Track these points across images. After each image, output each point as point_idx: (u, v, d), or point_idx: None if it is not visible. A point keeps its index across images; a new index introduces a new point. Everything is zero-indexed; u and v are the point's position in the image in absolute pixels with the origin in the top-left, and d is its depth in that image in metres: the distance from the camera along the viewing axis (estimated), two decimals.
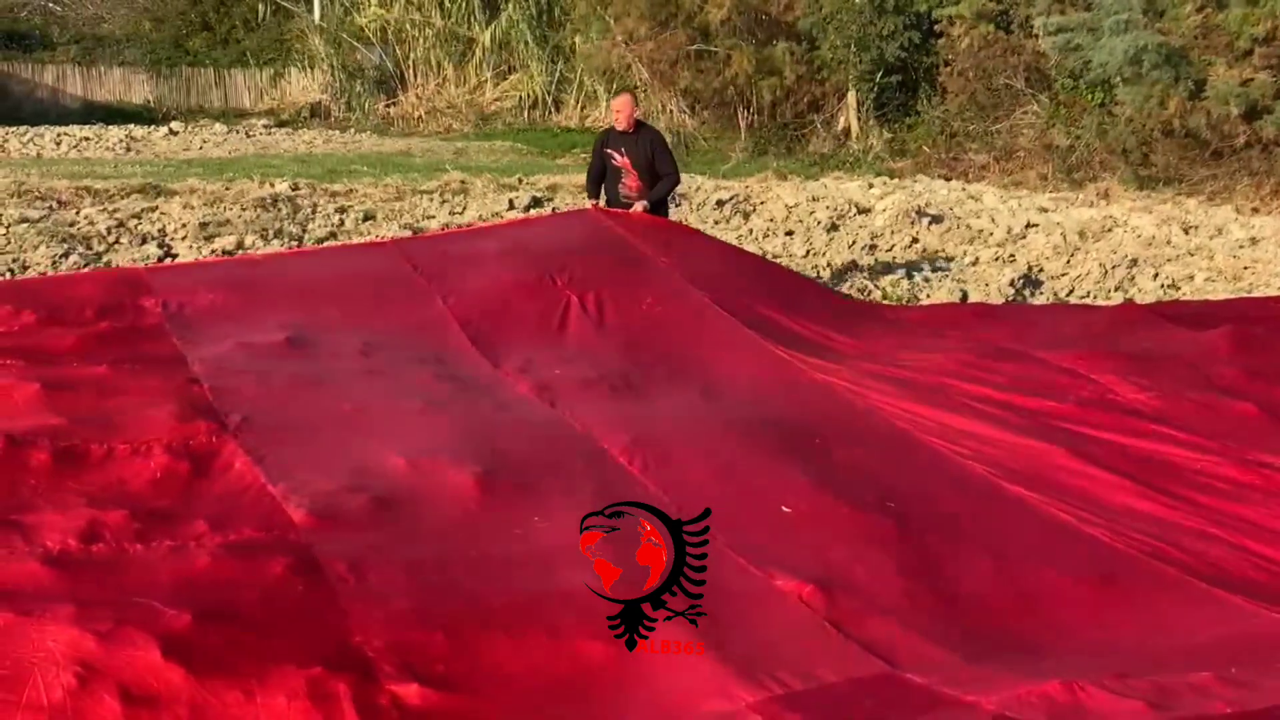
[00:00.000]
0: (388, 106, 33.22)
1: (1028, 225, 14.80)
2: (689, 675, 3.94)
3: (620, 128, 10.00)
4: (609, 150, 10.01)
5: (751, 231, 14.65)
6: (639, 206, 9.73)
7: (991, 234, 14.38)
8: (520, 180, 18.82)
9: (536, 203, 16.52)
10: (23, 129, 29.08)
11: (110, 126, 30.38)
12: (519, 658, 3.93)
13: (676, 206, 16.15)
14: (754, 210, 15.94)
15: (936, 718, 3.71)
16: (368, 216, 14.43)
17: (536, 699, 3.79)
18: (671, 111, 26.25)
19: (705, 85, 25.52)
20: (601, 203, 10.00)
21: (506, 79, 32.58)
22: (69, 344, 6.81)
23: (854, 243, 13.81)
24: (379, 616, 4.09)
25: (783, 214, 15.45)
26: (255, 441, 5.60)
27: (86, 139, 27.69)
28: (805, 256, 13.28)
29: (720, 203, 16.29)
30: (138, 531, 4.68)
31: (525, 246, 8.97)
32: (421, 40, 33.21)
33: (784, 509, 5.33)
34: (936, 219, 15.03)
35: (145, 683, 3.66)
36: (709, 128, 26.15)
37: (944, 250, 13.63)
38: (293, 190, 16.23)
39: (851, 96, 24.57)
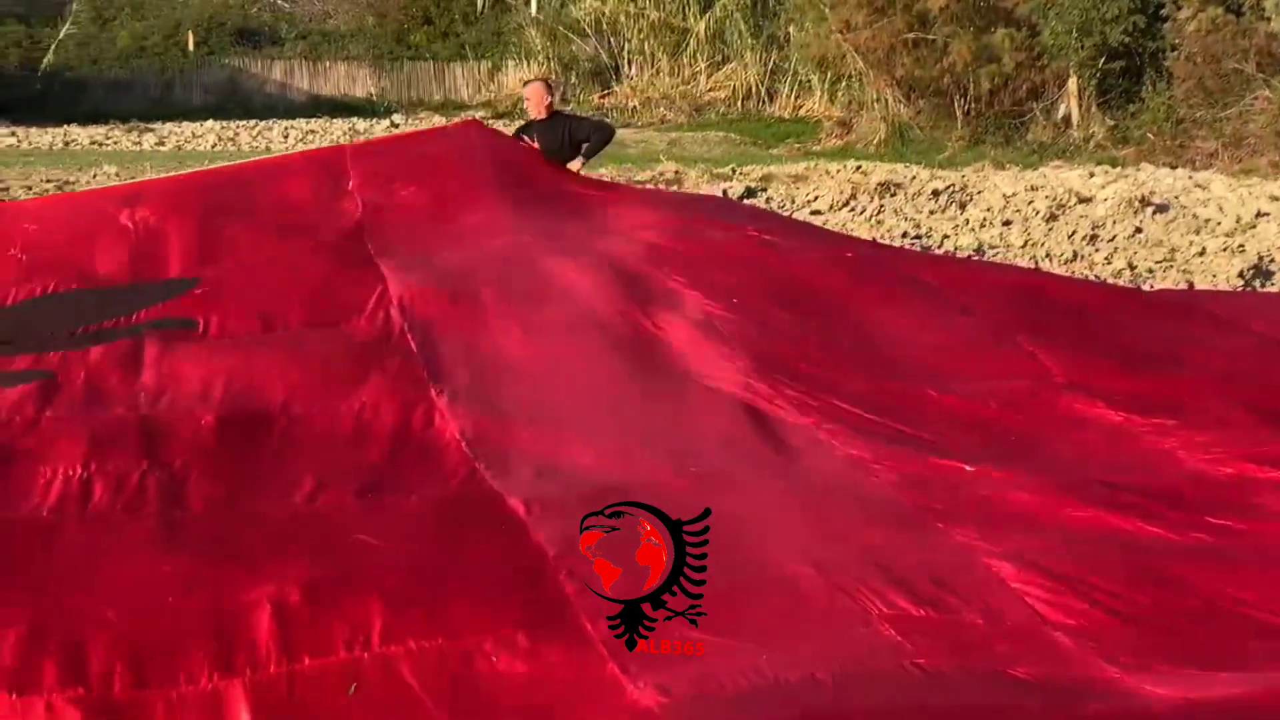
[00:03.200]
0: (602, 98, 33.50)
1: (1258, 214, 14.24)
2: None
3: (533, 116, 9.62)
4: (524, 138, 9.56)
5: (968, 222, 14.44)
6: (575, 165, 9.24)
7: (1219, 224, 13.90)
8: (734, 170, 18.84)
9: (750, 193, 16.52)
10: (252, 122, 30.15)
11: (335, 119, 31.33)
12: (723, 638, 3.95)
13: (891, 197, 16.00)
14: (970, 200, 15.69)
15: (1066, 676, 3.75)
16: None
17: (736, 676, 3.80)
18: (886, 101, 25.98)
19: (923, 74, 25.19)
20: None
21: (720, 69, 32.59)
22: (288, 300, 6.97)
23: (1074, 233, 13.50)
24: (591, 596, 4.15)
25: (1000, 204, 15.18)
26: (465, 415, 5.71)
27: (312, 132, 28.58)
28: (1023, 247, 13.05)
29: (936, 193, 16.07)
30: (357, 497, 4.94)
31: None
32: (636, 31, 33.41)
33: (966, 468, 5.27)
34: (1161, 208, 14.61)
35: (364, 631, 3.82)
36: (925, 117, 25.80)
37: (1169, 240, 13.23)
38: None
39: (1073, 83, 24.00)
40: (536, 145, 9.26)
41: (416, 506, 4.94)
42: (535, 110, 9.58)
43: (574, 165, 9.20)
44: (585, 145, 9.37)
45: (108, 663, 3.68)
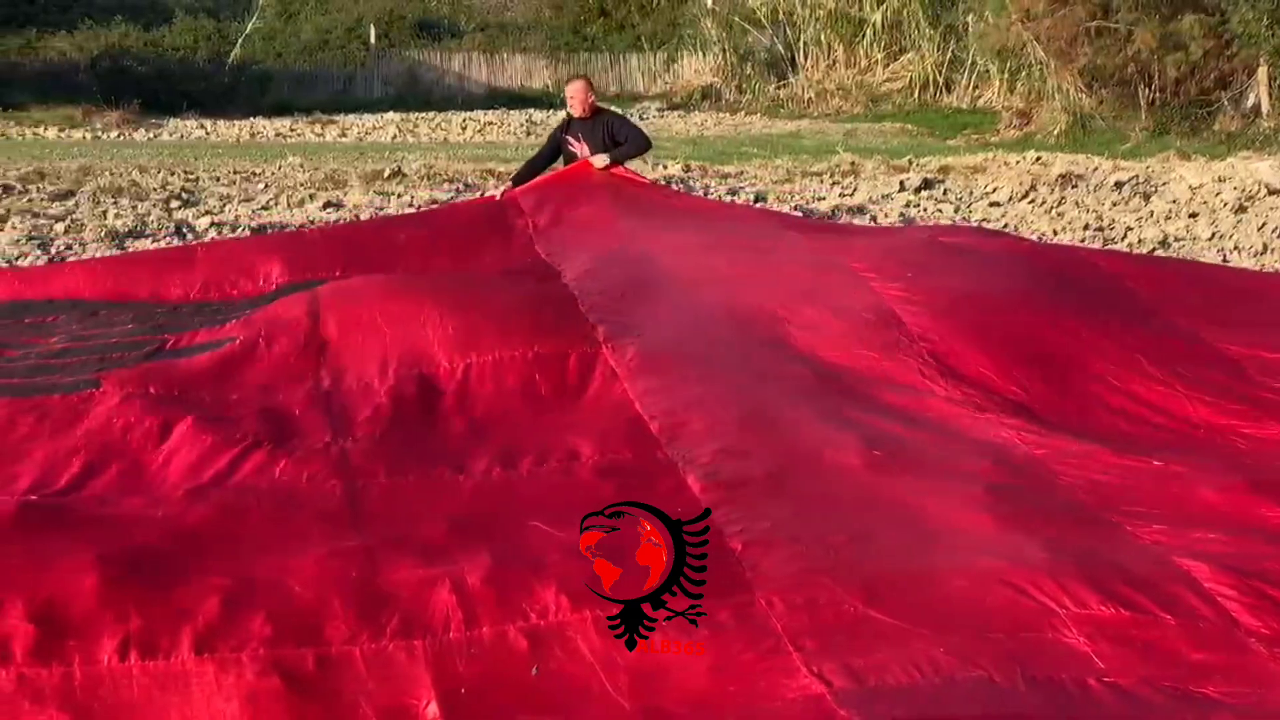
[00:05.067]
0: (778, 89, 33.43)
1: None
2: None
3: (577, 114, 9.72)
4: (567, 137, 9.72)
5: (1152, 214, 14.12)
6: (598, 160, 9.26)
7: None
8: (910, 162, 18.66)
9: (927, 184, 16.34)
10: (431, 114, 30.69)
11: (511, 111, 31.68)
12: (902, 622, 3.90)
13: (1073, 188, 15.70)
14: (1155, 192, 15.35)
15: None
16: (758, 198, 14.55)
17: (910, 668, 3.76)
18: (1068, 91, 25.51)
19: (1106, 62, 24.68)
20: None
21: (897, 60, 32.30)
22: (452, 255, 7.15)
23: (1264, 225, 13.11)
24: (764, 575, 4.15)
25: (1186, 195, 14.82)
26: (645, 393, 5.74)
27: (490, 123, 28.99)
28: (1210, 240, 12.70)
29: (1119, 184, 15.76)
30: (535, 464, 5.08)
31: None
32: (812, 22, 33.25)
33: (1154, 463, 5.15)
34: None
35: (541, 605, 3.93)
36: (1107, 106, 25.28)
37: None
38: (684, 172, 16.53)
39: (1263, 71, 23.35)
40: (582, 142, 9.54)
41: (590, 475, 5.00)
42: (579, 109, 9.76)
43: (598, 161, 9.29)
44: (620, 147, 9.48)
45: (294, 630, 3.81)
